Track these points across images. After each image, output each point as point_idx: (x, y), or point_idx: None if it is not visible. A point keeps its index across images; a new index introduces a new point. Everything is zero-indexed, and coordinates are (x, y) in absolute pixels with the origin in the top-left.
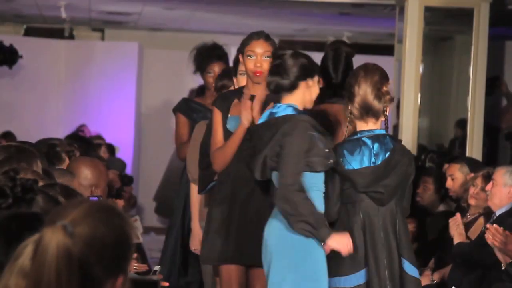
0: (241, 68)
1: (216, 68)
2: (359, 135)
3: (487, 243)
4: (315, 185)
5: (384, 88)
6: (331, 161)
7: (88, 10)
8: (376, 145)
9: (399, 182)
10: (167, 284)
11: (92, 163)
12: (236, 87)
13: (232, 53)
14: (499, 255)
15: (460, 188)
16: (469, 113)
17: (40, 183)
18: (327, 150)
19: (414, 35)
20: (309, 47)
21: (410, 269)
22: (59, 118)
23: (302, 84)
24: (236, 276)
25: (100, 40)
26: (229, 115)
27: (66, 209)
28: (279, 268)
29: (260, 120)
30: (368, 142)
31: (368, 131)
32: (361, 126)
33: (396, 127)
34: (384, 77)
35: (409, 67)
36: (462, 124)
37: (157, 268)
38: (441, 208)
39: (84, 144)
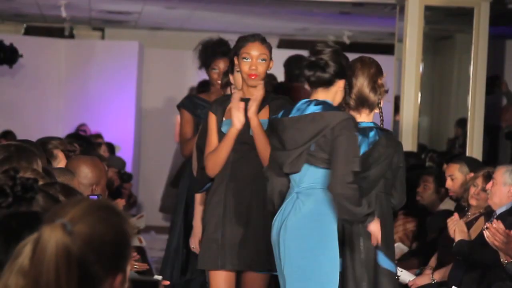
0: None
1: (221, 65)
2: None
3: (487, 243)
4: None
5: (379, 81)
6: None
7: (88, 9)
8: (359, 138)
9: (381, 174)
10: (168, 282)
11: (92, 162)
12: (233, 84)
13: None
14: (501, 253)
15: (460, 188)
16: (469, 112)
17: (40, 182)
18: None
19: (414, 34)
20: (309, 46)
21: (385, 261)
22: (59, 117)
23: (337, 83)
24: (224, 282)
25: (101, 39)
26: (224, 119)
27: (65, 208)
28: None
29: (292, 114)
30: None
31: (357, 123)
32: (354, 117)
33: (395, 125)
34: (379, 70)
35: (410, 66)
36: (462, 123)
37: (159, 277)
38: (442, 206)
39: (85, 143)
